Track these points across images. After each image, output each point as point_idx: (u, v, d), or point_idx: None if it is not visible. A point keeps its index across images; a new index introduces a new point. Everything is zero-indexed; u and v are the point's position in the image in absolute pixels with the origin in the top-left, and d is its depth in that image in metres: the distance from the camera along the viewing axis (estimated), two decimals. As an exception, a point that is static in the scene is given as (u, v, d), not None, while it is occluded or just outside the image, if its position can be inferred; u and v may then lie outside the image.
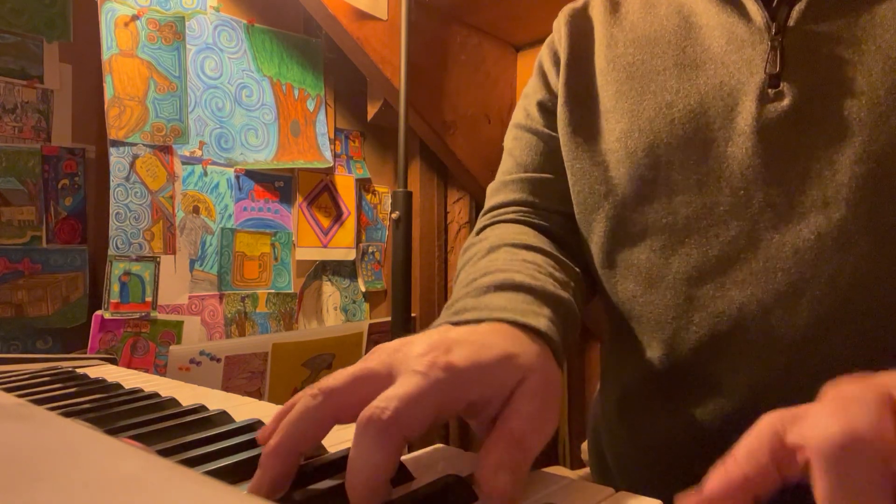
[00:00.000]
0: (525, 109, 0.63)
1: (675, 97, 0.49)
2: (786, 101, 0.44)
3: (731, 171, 0.46)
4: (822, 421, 0.25)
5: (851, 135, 0.42)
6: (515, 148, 0.61)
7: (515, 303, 0.41)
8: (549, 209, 0.59)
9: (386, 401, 0.27)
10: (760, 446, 0.26)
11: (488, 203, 0.61)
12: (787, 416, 0.27)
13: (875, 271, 0.42)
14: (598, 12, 0.59)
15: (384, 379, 0.30)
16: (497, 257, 0.50)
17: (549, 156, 0.59)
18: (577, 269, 0.55)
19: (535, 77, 0.63)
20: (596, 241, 0.55)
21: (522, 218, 0.59)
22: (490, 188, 0.62)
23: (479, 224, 0.60)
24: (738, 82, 0.46)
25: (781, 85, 0.45)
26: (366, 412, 0.27)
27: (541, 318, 0.40)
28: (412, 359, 0.30)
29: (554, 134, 0.58)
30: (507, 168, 0.62)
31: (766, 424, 0.27)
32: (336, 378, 0.30)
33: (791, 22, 0.45)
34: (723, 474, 0.26)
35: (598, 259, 0.55)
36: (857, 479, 0.23)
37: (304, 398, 0.29)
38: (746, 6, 0.47)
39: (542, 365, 0.35)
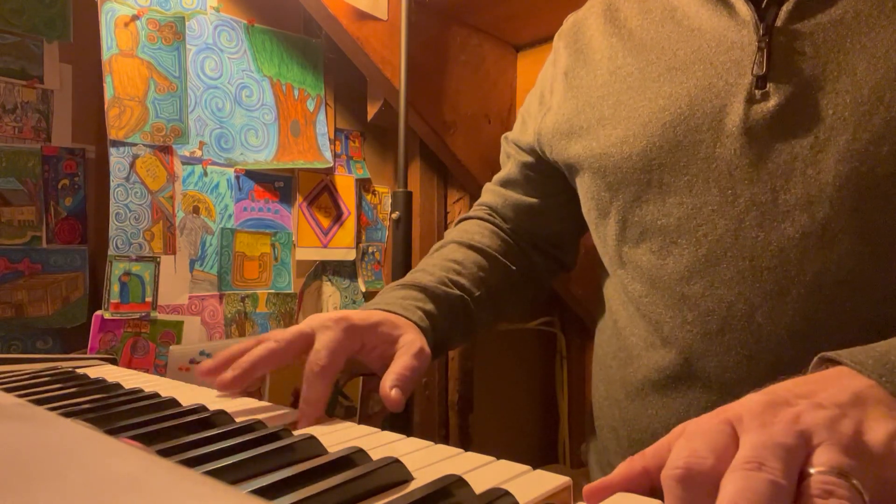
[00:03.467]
0: (512, 133, 0.73)
1: (667, 101, 0.50)
2: (772, 102, 0.45)
3: (720, 171, 0.46)
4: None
5: (835, 134, 0.42)
6: (503, 164, 0.76)
7: (406, 299, 0.58)
8: (506, 217, 0.73)
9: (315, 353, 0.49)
10: (668, 447, 0.30)
11: (479, 200, 0.78)
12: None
13: (859, 269, 0.42)
14: (597, 21, 0.60)
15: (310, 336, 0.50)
16: (435, 257, 0.69)
17: (527, 178, 0.71)
18: (514, 268, 0.69)
19: (525, 105, 0.72)
20: (610, 244, 0.57)
21: (487, 216, 0.74)
22: (483, 187, 0.78)
23: (461, 216, 0.77)
24: (726, 84, 0.47)
25: (768, 86, 0.45)
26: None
27: (417, 311, 0.56)
28: (325, 319, 0.51)
29: (528, 160, 0.69)
30: (496, 178, 0.76)
31: (680, 430, 0.31)
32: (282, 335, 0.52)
33: (778, 22, 0.45)
34: (627, 464, 0.30)
35: (614, 261, 0.57)
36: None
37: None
38: (736, 6, 0.47)
39: (412, 327, 0.53)
